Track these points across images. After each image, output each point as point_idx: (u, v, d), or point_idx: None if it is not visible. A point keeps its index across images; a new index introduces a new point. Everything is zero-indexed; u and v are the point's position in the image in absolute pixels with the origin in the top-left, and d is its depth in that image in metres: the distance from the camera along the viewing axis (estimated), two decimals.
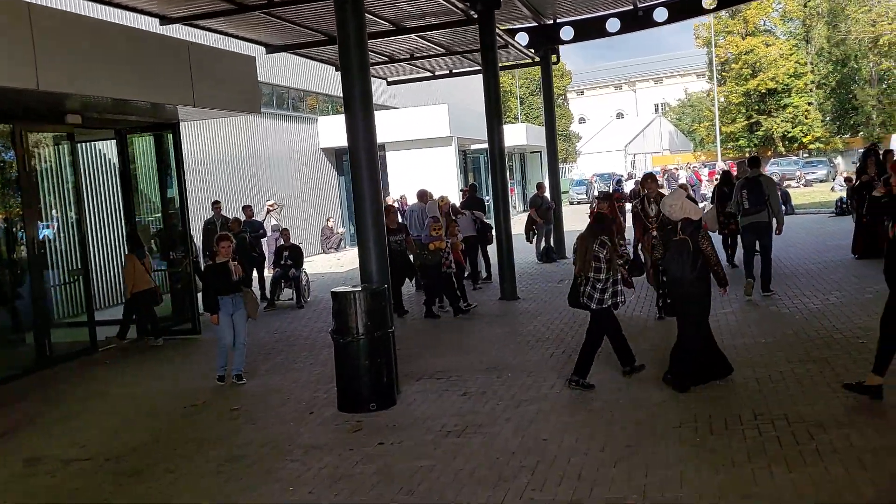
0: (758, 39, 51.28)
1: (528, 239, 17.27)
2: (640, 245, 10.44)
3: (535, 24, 18.87)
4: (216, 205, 14.75)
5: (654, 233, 8.63)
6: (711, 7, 18.28)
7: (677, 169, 37.11)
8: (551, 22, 19.17)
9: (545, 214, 17.37)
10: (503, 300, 12.70)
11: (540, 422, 6.52)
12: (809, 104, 51.25)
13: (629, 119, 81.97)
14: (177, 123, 11.98)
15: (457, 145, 27.08)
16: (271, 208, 17.64)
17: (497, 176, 13.56)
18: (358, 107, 7.79)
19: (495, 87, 13.57)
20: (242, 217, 14.62)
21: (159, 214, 12.76)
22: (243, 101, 12.49)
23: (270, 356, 9.84)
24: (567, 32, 19.06)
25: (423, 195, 14.24)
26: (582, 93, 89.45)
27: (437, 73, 20.89)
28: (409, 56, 17.85)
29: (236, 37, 14.47)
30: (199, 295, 10.10)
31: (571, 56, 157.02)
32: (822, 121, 51.93)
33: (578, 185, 43.24)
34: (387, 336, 7.37)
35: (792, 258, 14.24)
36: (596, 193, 27.35)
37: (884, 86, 50.33)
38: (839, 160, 48.09)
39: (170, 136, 11.99)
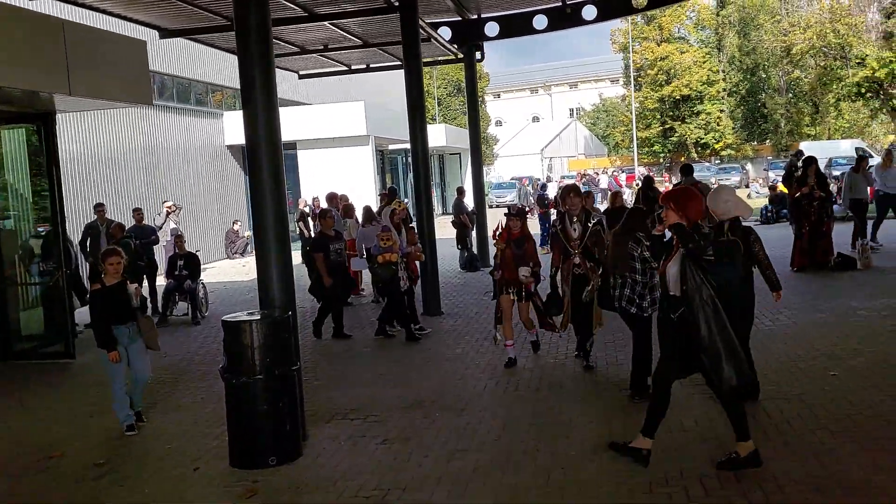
0: (672, 46, 51.86)
1: (462, 245, 16.30)
2: (558, 274, 7.91)
3: (459, 19, 17.81)
4: (99, 208, 13.01)
5: (577, 259, 7.55)
6: (641, 6, 17.60)
7: (597, 174, 36.79)
8: (476, 17, 18.15)
9: (470, 219, 16.33)
10: (425, 315, 11.46)
11: (479, 481, 5.35)
12: (721, 111, 52.12)
13: (545, 123, 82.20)
14: (50, 114, 10.30)
15: (374, 145, 25.77)
16: (170, 210, 15.92)
17: (420, 178, 12.39)
18: (259, 97, 6.44)
19: (418, 81, 12.39)
20: (134, 222, 12.97)
21: (31, 219, 11.03)
22: (131, 91, 10.93)
23: (153, 389, 8.19)
24: (492, 28, 18.06)
25: (333, 198, 12.94)
26: (499, 95, 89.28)
27: (353, 67, 19.53)
28: (322, 47, 16.45)
29: (125, 18, 12.81)
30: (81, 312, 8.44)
31: (488, 58, 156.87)
32: (733, 128, 52.91)
33: (497, 189, 42.46)
34: (291, 374, 6.06)
35: None
36: (530, 198, 26.48)
37: (790, 95, 51.62)
38: (749, 167, 48.99)
39: (42, 129, 10.30)
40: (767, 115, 53.09)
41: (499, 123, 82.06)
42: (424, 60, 18.41)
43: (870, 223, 14.30)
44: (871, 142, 48.28)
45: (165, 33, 13.50)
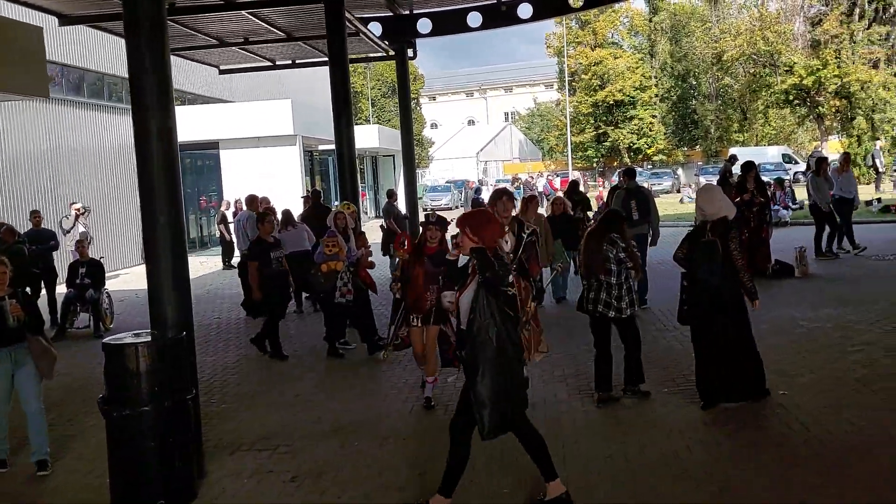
0: (606, 51, 52.10)
1: (386, 252, 15.44)
2: None
3: (390, 14, 17.11)
4: None
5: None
6: (577, 6, 17.17)
7: (532, 177, 36.48)
8: (408, 12, 17.46)
9: (401, 224, 15.57)
10: (350, 327, 10.67)
11: None
12: (654, 117, 52.62)
13: (480, 126, 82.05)
14: None
15: (301, 145, 24.79)
16: (79, 213, 14.73)
17: (346, 180, 11.62)
18: (148, 87, 5.56)
19: (343, 77, 11.65)
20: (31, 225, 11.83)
21: None
22: (25, 83, 9.90)
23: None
24: (425, 25, 17.39)
25: (252, 200, 12.03)
26: (434, 98, 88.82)
27: (278, 63, 18.62)
28: (243, 39, 15.52)
29: (22, 2, 11.65)
30: None
31: (424, 60, 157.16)
32: (665, 133, 53.48)
33: (432, 192, 41.85)
34: (185, 404, 5.25)
35: (673, 275, 13.12)
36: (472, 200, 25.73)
37: (719, 102, 52.46)
38: (681, 172, 49.51)
39: None
40: (698, 121, 53.82)
41: (434, 126, 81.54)
42: (353, 57, 17.66)
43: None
44: (797, 148, 49.40)
45: (65, 20, 12.36)
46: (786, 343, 8.25)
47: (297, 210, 13.76)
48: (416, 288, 6.73)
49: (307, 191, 19.70)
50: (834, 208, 13.76)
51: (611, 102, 51.87)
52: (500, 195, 7.36)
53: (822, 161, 13.87)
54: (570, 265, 12.05)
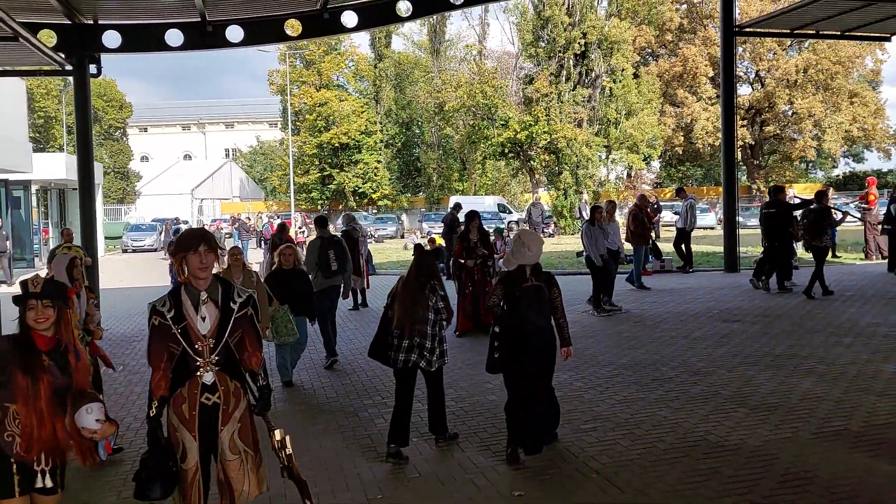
0: (332, 93, 51.19)
1: None
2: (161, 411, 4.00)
3: (69, 23, 14.24)
4: None
5: (206, 376, 4.23)
6: (296, 35, 15.46)
7: (250, 218, 33.82)
8: (91, 22, 14.67)
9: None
10: None
11: None
12: (378, 162, 52.48)
13: (198, 161, 77.26)
14: None
15: None
16: None
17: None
18: None
19: None
20: None
21: None
22: None
23: None
24: (113, 39, 14.71)
25: None
26: (146, 130, 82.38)
27: None
28: None
29: None
30: None
31: (134, 88, 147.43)
32: (390, 179, 53.58)
33: (135, 231, 37.47)
34: None
35: None
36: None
37: (441, 151, 53.78)
38: (405, 218, 49.68)
39: None
40: (421, 168, 54.68)
41: (145, 159, 75.44)
42: (16, 69, 14.47)
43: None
44: (511, 199, 51.89)
45: None
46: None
47: None
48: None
49: None
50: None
51: (336, 145, 50.91)
52: (192, 242, 3.97)
53: (595, 210, 12.88)
54: (304, 339, 9.03)
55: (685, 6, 50.31)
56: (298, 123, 51.79)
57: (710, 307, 12.52)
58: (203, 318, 3.87)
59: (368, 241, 36.57)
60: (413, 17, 15.58)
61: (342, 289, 10.34)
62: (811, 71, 46.52)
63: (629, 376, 8.26)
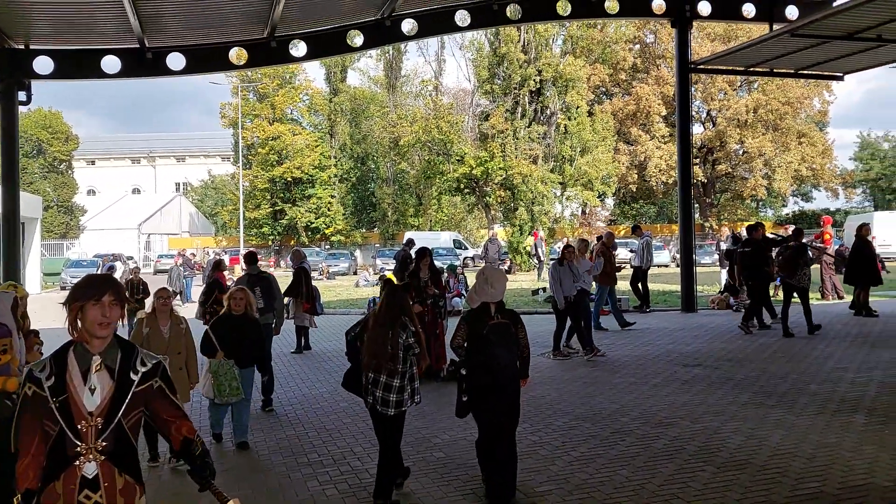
0: (285, 127, 50.51)
1: None
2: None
3: None
4: None
5: (86, 467, 3.45)
6: (241, 63, 14.86)
7: (195, 254, 32.74)
8: (22, 47, 13.91)
9: None
10: None
11: None
12: (332, 197, 51.78)
13: (147, 195, 75.56)
14: None
15: None
16: None
17: None
18: None
19: None
20: None
21: None
22: None
23: None
24: (44, 65, 13.96)
25: None
26: (93, 162, 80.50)
27: None
28: None
29: None
30: None
31: (82, 121, 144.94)
32: (344, 214, 52.87)
33: (75, 267, 36.01)
34: None
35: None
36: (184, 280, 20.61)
37: (396, 186, 53.33)
38: (359, 253, 48.93)
39: None
40: (376, 203, 54.08)
41: (91, 192, 73.58)
42: None
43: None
44: (467, 235, 51.55)
45: None
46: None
47: None
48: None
49: None
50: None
51: (289, 179, 50.12)
52: (93, 291, 3.18)
53: (566, 249, 11.98)
54: (250, 395, 7.83)
55: (638, 46, 50.99)
56: (250, 157, 50.96)
57: (670, 350, 12.06)
58: (92, 390, 3.03)
59: (320, 277, 35.81)
60: (364, 47, 15.10)
61: (274, 325, 10.01)
62: (761, 111, 47.33)
63: (587, 428, 7.68)
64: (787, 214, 59.03)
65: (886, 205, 59.05)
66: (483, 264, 26.70)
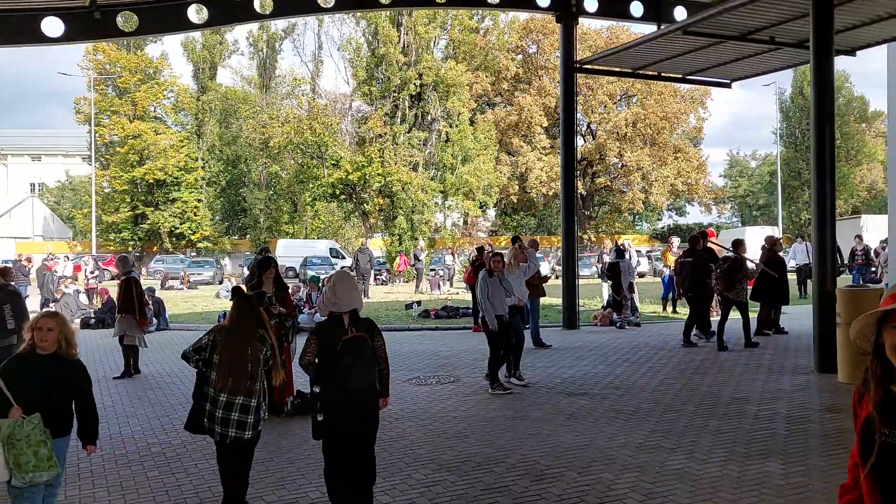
0: (147, 125, 46.97)
1: None
2: None
3: None
4: None
5: None
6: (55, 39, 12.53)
7: (29, 259, 29.02)
8: None
9: None
10: None
11: None
12: (199, 201, 48.57)
13: None
14: None
15: None
16: None
17: None
18: None
19: None
20: None
21: None
22: None
23: None
24: None
25: None
26: None
27: None
28: None
29: None
30: None
31: None
32: (212, 219, 49.74)
33: None
34: None
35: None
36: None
37: (270, 191, 50.69)
38: (227, 262, 46.04)
39: None
40: (248, 209, 51.22)
41: None
42: None
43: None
44: (345, 243, 49.48)
45: None
46: None
47: None
48: None
49: None
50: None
51: (151, 181, 46.59)
52: None
53: (495, 258, 9.83)
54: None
55: (521, 56, 50.60)
56: (108, 157, 47.09)
57: (552, 374, 10.67)
58: None
59: (180, 287, 32.93)
60: (208, 24, 13.11)
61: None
62: (640, 125, 47.80)
63: (451, 483, 6.09)
64: (663, 228, 60.17)
65: (753, 220, 61.26)
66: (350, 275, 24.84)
